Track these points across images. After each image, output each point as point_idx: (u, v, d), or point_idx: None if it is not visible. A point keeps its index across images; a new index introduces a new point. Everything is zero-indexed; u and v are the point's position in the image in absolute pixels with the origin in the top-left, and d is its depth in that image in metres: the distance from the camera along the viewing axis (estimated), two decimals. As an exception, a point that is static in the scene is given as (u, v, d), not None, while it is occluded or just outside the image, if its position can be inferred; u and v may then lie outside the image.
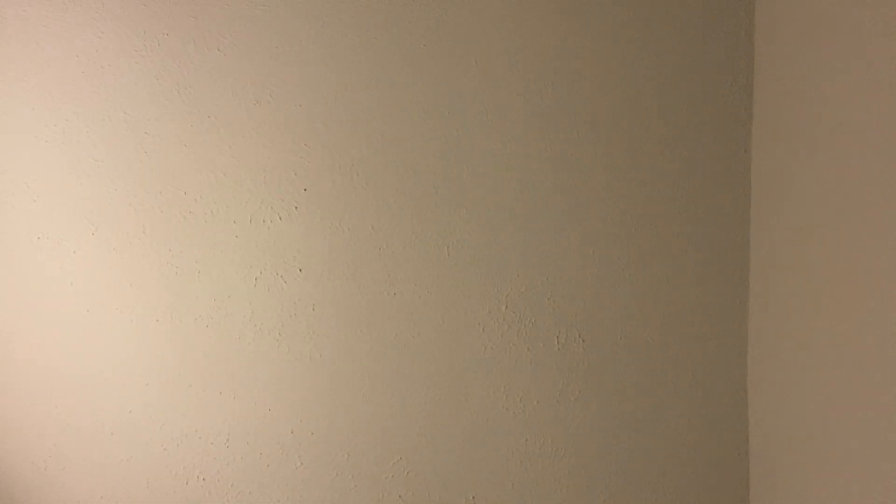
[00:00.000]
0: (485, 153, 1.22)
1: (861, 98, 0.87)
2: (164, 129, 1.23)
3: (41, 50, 1.22)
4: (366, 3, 1.21)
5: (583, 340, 1.26)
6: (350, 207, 1.24)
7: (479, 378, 1.27)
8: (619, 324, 1.25)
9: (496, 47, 1.20)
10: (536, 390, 1.27)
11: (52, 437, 1.29)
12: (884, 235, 0.83)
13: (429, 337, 1.26)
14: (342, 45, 1.21)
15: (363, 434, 1.28)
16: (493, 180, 1.23)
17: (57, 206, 1.25)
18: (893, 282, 0.81)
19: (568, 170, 1.22)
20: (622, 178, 1.22)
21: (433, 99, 1.21)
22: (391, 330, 1.26)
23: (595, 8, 1.19)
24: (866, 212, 0.87)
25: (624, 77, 1.20)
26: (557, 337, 1.26)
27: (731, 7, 1.18)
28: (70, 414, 1.28)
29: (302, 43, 1.21)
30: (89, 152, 1.24)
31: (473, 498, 1.29)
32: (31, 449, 1.30)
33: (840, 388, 0.93)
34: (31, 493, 1.31)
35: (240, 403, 1.27)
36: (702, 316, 1.24)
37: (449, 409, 1.27)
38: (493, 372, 1.27)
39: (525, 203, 1.23)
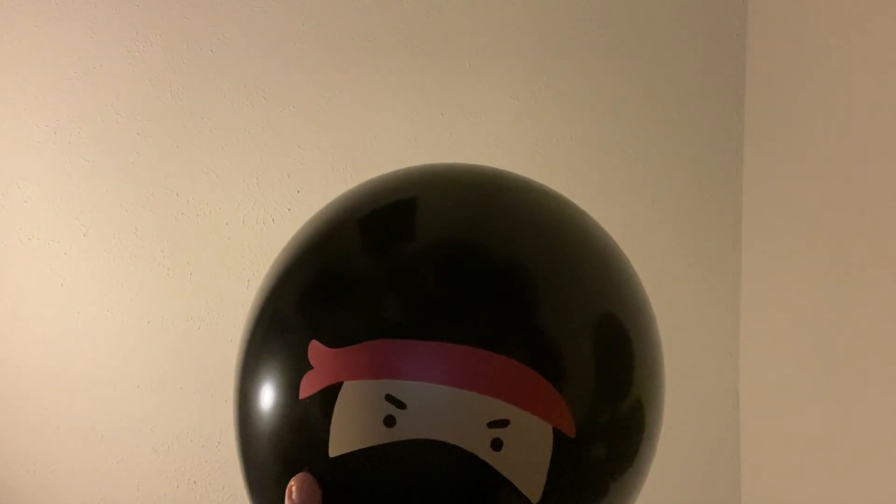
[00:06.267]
0: (477, 155, 1.22)
1: (855, 100, 0.88)
2: (157, 130, 1.23)
3: (33, 50, 1.22)
4: (359, 4, 1.21)
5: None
6: (343, 209, 1.23)
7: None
8: (611, 326, 1.25)
9: (489, 48, 1.21)
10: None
11: (42, 439, 1.28)
12: (877, 239, 0.83)
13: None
14: (336, 47, 1.21)
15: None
16: (486, 182, 1.23)
17: (48, 207, 1.24)
18: (887, 285, 0.81)
19: (559, 171, 1.22)
20: (613, 179, 1.22)
21: (425, 100, 1.21)
22: (384, 332, 1.26)
23: (587, 9, 1.20)
24: (859, 215, 0.87)
25: (616, 80, 1.20)
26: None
27: (723, 9, 1.19)
28: (60, 416, 1.28)
29: (296, 44, 1.21)
30: (81, 153, 1.23)
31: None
32: (21, 451, 1.29)
33: (833, 391, 0.93)
34: (20, 495, 1.30)
35: (232, 406, 1.26)
36: (693, 319, 1.24)
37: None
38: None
39: (518, 205, 1.23)
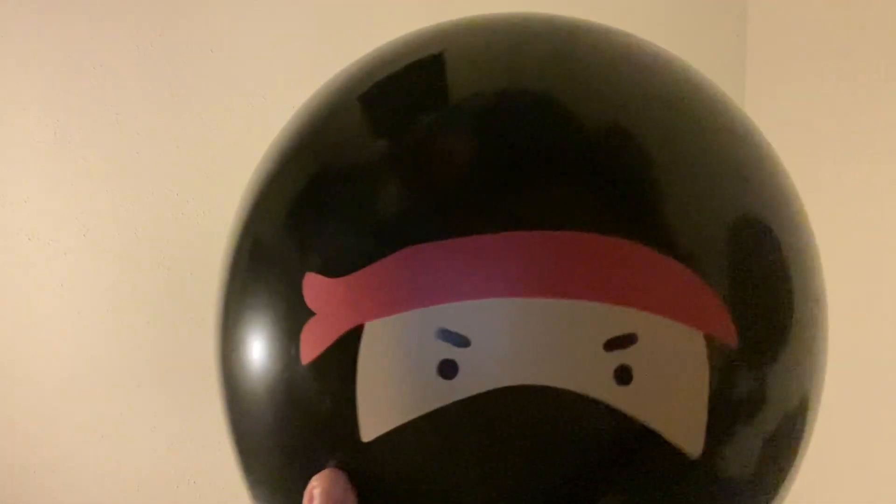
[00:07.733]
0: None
1: (855, 100, 0.88)
2: (157, 130, 1.22)
3: (33, 50, 1.22)
4: (359, 3, 1.21)
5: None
6: (343, 209, 1.23)
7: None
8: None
9: (490, 49, 1.20)
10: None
11: (42, 439, 1.28)
12: (877, 238, 0.83)
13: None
14: (336, 47, 1.21)
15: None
16: (486, 182, 1.23)
17: (48, 207, 1.24)
18: (887, 284, 0.81)
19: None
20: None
21: (427, 101, 1.21)
22: (384, 332, 1.25)
23: (586, 9, 1.19)
24: (859, 213, 0.87)
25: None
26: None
27: (723, 9, 1.19)
28: (60, 416, 1.27)
29: (295, 44, 1.21)
30: (81, 153, 1.23)
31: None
32: (21, 452, 1.29)
33: (833, 390, 0.93)
34: (19, 496, 1.29)
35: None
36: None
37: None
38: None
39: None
